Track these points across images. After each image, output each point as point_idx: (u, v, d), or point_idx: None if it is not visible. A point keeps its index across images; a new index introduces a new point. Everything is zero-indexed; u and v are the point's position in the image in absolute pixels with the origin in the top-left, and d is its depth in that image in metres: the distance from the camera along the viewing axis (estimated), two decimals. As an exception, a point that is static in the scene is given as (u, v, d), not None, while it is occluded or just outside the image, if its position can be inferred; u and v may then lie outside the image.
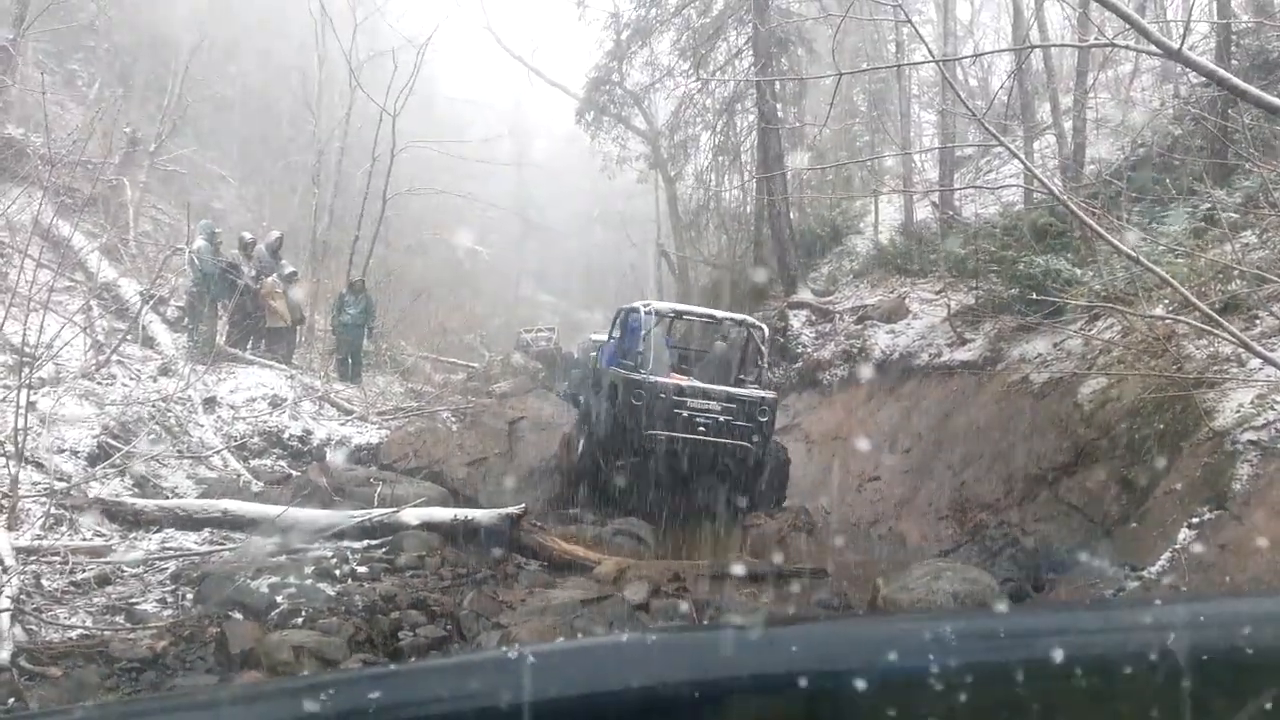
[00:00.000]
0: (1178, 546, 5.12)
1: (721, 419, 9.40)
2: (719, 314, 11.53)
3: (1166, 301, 8.00)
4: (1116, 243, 6.29)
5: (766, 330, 11.30)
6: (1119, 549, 5.74)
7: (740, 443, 9.39)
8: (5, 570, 5.74)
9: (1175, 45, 5.01)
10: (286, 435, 10.63)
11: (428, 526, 7.69)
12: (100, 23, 20.02)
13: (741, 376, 10.74)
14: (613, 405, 9.61)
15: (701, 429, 9.36)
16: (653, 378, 9.53)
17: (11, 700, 4.42)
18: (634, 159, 25.64)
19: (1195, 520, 5.31)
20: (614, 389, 9.72)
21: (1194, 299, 6.01)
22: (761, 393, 9.95)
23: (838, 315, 14.64)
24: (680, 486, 9.68)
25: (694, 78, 22.06)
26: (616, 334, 11.07)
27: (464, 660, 1.12)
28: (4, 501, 6.72)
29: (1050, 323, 9.26)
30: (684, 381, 9.83)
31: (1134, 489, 6.59)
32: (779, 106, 18.97)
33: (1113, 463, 7.01)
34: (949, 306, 12.09)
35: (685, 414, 9.34)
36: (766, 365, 10.67)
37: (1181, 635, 1.01)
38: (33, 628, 5.35)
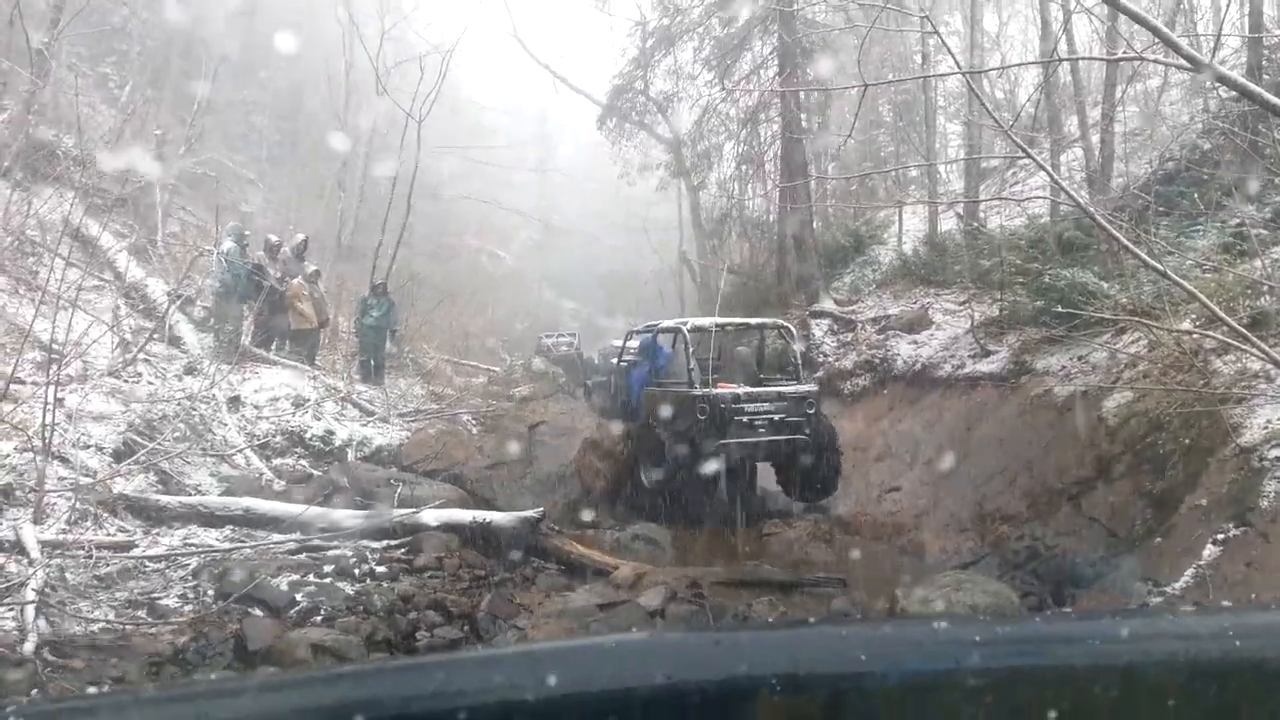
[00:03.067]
0: (1202, 563, 5.06)
1: (776, 417, 9.98)
2: (750, 321, 12.24)
3: (1194, 316, 7.91)
4: (1145, 256, 6.24)
5: (795, 330, 11.89)
6: (1143, 564, 5.68)
7: (796, 436, 10.03)
8: (31, 563, 5.81)
9: (1206, 59, 4.97)
10: (309, 435, 10.71)
11: (447, 528, 7.71)
12: (132, 26, 20.32)
13: (763, 376, 11.36)
14: (675, 422, 10.04)
15: (761, 429, 9.94)
16: (713, 391, 10.04)
17: (34, 691, 4.48)
18: (656, 167, 25.67)
19: (1221, 537, 5.24)
20: (673, 406, 10.16)
21: (1222, 314, 5.95)
22: (806, 387, 10.63)
23: (860, 325, 14.59)
24: (747, 485, 10.53)
25: (718, 86, 22.07)
26: (639, 351, 11.40)
27: (487, 655, 1.12)
28: (31, 496, 6.81)
29: (1075, 336, 9.18)
30: (738, 389, 10.34)
31: (1158, 504, 6.52)
32: (803, 116, 18.93)
33: (1137, 477, 6.93)
34: (973, 318, 12.01)
35: (745, 419, 9.91)
36: (800, 362, 11.18)
37: (1208, 645, 1.00)
38: (56, 620, 5.41)
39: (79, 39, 17.39)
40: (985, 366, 10.90)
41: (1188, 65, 5.32)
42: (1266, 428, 6.01)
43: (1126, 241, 6.39)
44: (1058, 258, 10.82)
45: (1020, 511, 8.04)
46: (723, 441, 9.71)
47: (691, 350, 10.54)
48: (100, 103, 18.50)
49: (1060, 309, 9.15)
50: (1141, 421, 7.38)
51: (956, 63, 8.09)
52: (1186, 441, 6.69)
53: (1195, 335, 7.20)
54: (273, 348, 13.18)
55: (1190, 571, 5.00)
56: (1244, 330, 5.88)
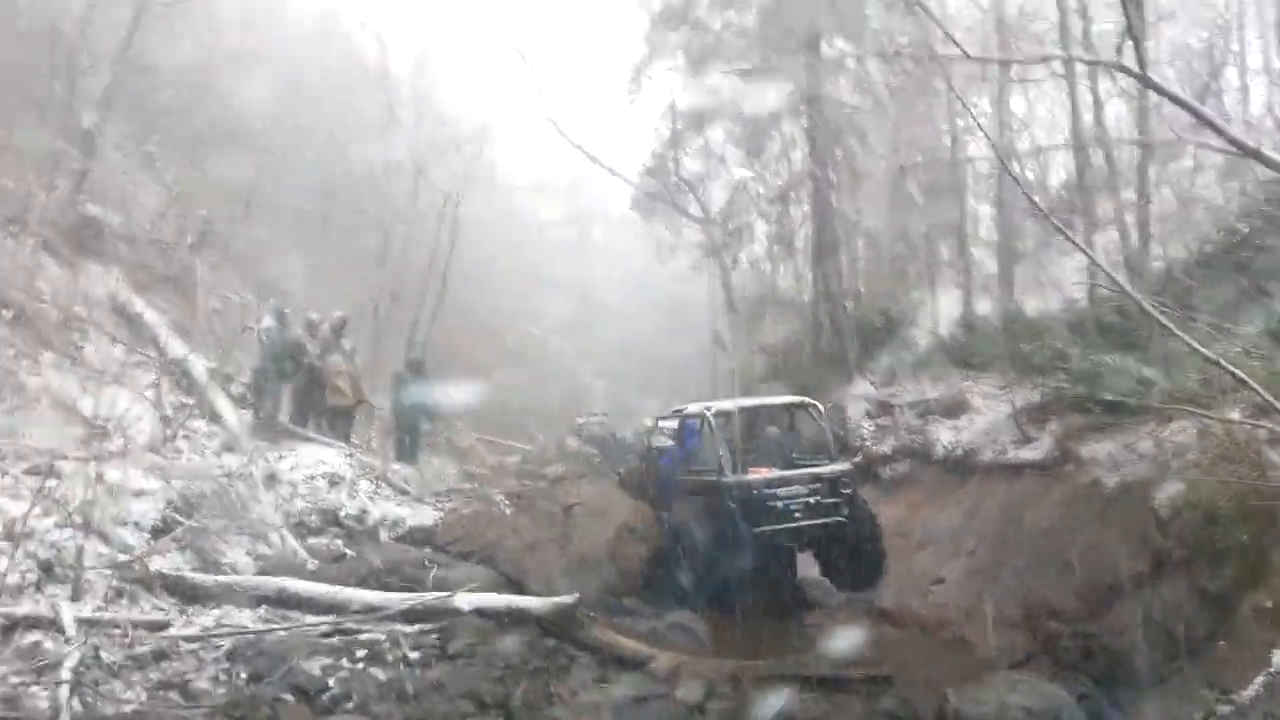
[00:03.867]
0: (1273, 670, 4.84)
1: (811, 500, 9.73)
2: (775, 400, 11.98)
3: (1243, 405, 7.74)
4: (1191, 341, 6.14)
5: (823, 407, 11.66)
6: (1206, 669, 5.44)
7: (832, 519, 9.75)
8: (67, 641, 5.78)
9: (1252, 144, 4.96)
10: (343, 514, 10.66)
11: (480, 613, 7.60)
12: (176, 106, 21.03)
13: (795, 456, 11.06)
14: (706, 511, 9.86)
15: (797, 514, 9.68)
16: (744, 477, 9.83)
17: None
18: (689, 246, 25.91)
19: (1290, 641, 5.03)
20: (704, 495, 10.01)
21: (1276, 402, 5.81)
22: (841, 466, 10.40)
23: (898, 409, 14.44)
24: (786, 574, 10.22)
25: (748, 166, 22.38)
26: (672, 438, 11.29)
27: None
28: (69, 572, 6.80)
29: (1121, 422, 9.01)
30: (769, 474, 10.10)
31: (1218, 603, 6.28)
32: (834, 196, 19.11)
33: (1193, 574, 6.70)
34: (1014, 403, 11.84)
35: (780, 504, 9.66)
36: (833, 440, 10.94)
37: None
38: (89, 701, 5.36)
39: (124, 119, 17.99)
40: (1028, 453, 10.69)
41: (1234, 150, 5.31)
42: (1330, 524, 5.81)
43: (1173, 326, 6.29)
44: (1098, 342, 10.70)
45: (1070, 607, 7.78)
46: (757, 530, 9.47)
47: (719, 435, 10.29)
48: (148, 180, 19.05)
49: (1104, 395, 9.00)
50: (1195, 514, 7.17)
51: (990, 143, 8.11)
52: (1244, 537, 6.48)
53: (1247, 425, 7.03)
54: (309, 425, 13.24)
55: (1260, 679, 4.78)
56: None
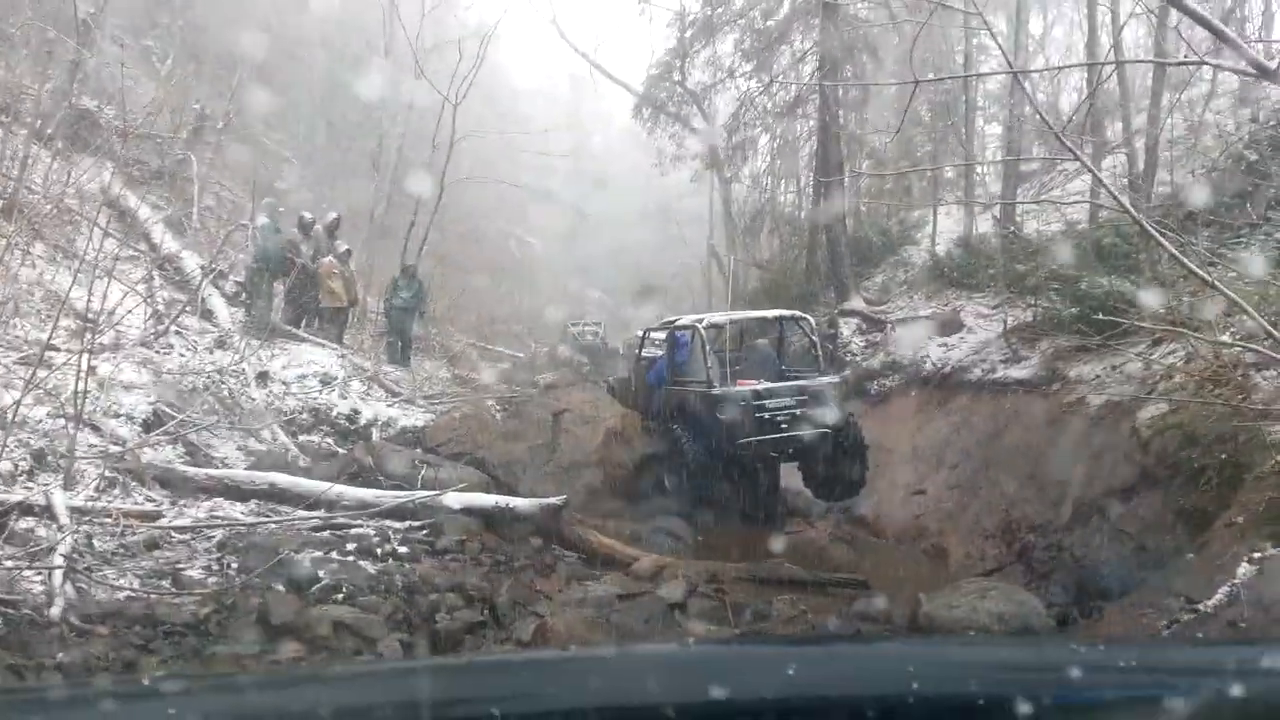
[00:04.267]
0: (1237, 581, 4.95)
1: (798, 412, 9.75)
2: (766, 313, 11.93)
3: (1234, 330, 7.75)
4: (1190, 264, 6.11)
5: (813, 320, 11.69)
6: (1174, 580, 5.57)
7: (819, 430, 9.76)
8: (60, 529, 5.88)
9: (1271, 65, 4.84)
10: (334, 413, 10.77)
11: (468, 512, 7.73)
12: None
13: (784, 368, 11.14)
14: (695, 422, 9.93)
15: (784, 425, 9.71)
16: (731, 389, 9.87)
17: (60, 655, 4.52)
18: (690, 158, 25.57)
19: (1256, 555, 5.12)
20: (692, 406, 10.04)
21: (1268, 326, 5.81)
22: (828, 379, 10.41)
23: (889, 325, 14.46)
24: (769, 484, 10.27)
25: (756, 79, 21.91)
26: (661, 349, 11.29)
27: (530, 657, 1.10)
28: (61, 462, 6.89)
29: (1111, 344, 9.03)
30: (757, 385, 10.13)
31: (1191, 520, 6.39)
32: (841, 113, 18.77)
33: (1169, 492, 6.80)
34: (1005, 322, 11.86)
35: (767, 415, 9.69)
36: (821, 353, 10.97)
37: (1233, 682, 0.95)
38: (83, 586, 5.48)
39: (123, 11, 17.52)
40: (1017, 372, 10.75)
41: (1251, 72, 5.18)
42: (1307, 446, 5.87)
43: (1171, 248, 6.26)
44: (1095, 264, 10.64)
45: (1048, 520, 7.93)
46: (743, 440, 9.59)
47: (709, 347, 10.31)
48: (143, 75, 18.64)
49: (1097, 316, 8.98)
50: (1176, 435, 7.24)
51: (1008, 61, 7.90)
52: (1222, 457, 6.55)
53: (1236, 348, 7.05)
54: (302, 325, 13.26)
55: (1224, 590, 4.90)
56: (1288, 345, 5.73)
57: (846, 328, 14.88)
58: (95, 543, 6.14)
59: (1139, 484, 7.30)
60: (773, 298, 17.28)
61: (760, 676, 0.97)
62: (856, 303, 15.41)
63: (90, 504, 6.49)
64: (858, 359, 14.15)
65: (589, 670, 0.92)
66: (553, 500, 7.98)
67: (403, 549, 7.14)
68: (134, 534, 6.41)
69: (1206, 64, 6.87)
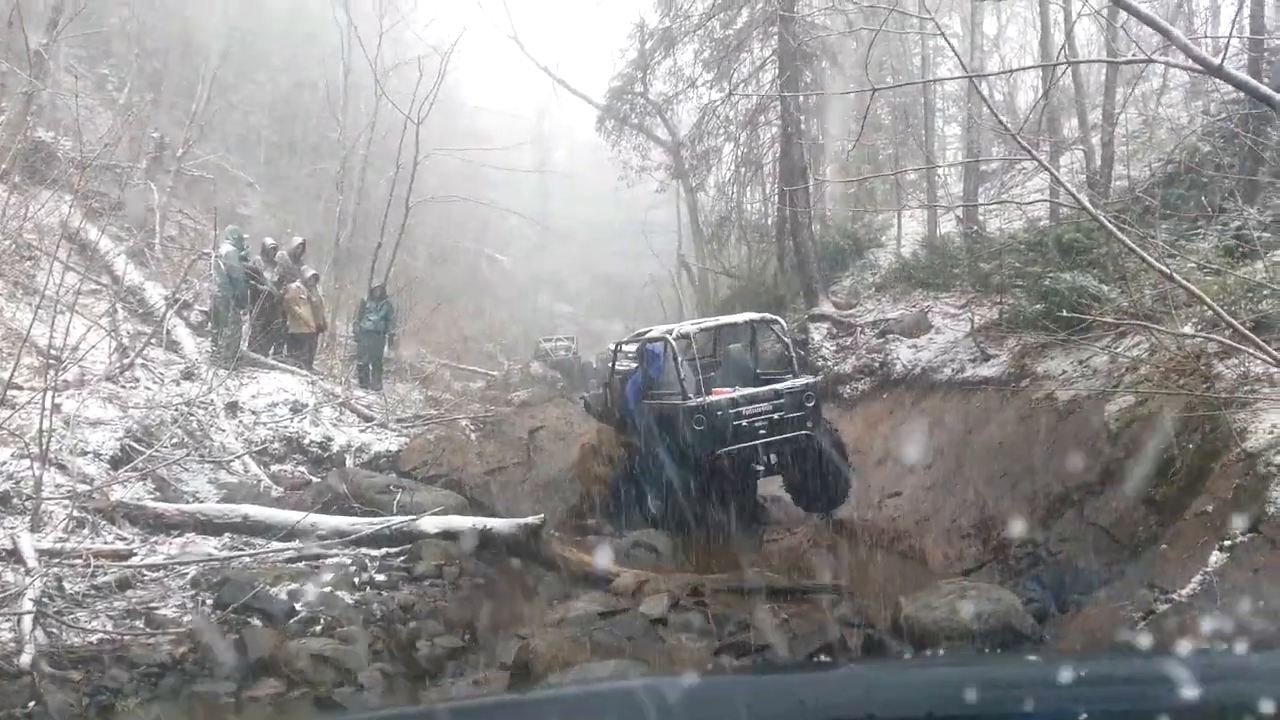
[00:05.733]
0: (1209, 570, 5.02)
1: (775, 416, 9.72)
2: (736, 318, 11.91)
3: (1196, 320, 7.88)
4: (1148, 257, 6.21)
5: (784, 322, 11.70)
6: (1147, 571, 5.64)
7: (798, 433, 9.72)
8: (28, 573, 5.76)
9: (1215, 61, 4.95)
10: (307, 441, 10.65)
11: (446, 535, 7.66)
12: (130, 28, 20.25)
13: (759, 372, 11.12)
14: (672, 435, 9.86)
15: (762, 431, 9.68)
16: (706, 399, 9.82)
17: (32, 704, 4.42)
18: (655, 169, 25.66)
19: (1227, 543, 5.20)
20: (668, 420, 9.99)
21: (1227, 316, 5.91)
22: (803, 380, 10.32)
23: (859, 329, 14.56)
24: (749, 493, 10.25)
25: (718, 88, 22.04)
26: (634, 362, 11.27)
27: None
28: (28, 504, 6.76)
29: (1076, 340, 9.15)
30: (733, 393, 10.07)
31: (1162, 510, 6.47)
32: (802, 119, 18.92)
33: (1140, 483, 6.89)
34: (973, 322, 11.98)
35: (744, 423, 9.66)
36: (795, 355, 10.94)
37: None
38: (54, 631, 5.36)
39: (77, 41, 17.33)
40: (985, 370, 10.86)
41: (1198, 68, 5.29)
42: (1273, 432, 5.96)
43: (1130, 243, 6.36)
44: (1058, 261, 10.79)
45: (1023, 517, 8.00)
46: (721, 450, 9.53)
47: (681, 358, 10.23)
48: (99, 105, 18.44)
49: (1061, 313, 9.10)
50: (1144, 426, 7.34)
51: (962, 65, 8.03)
52: (1190, 446, 6.65)
53: (1198, 338, 7.17)
54: (270, 352, 13.13)
55: (1197, 579, 4.96)
56: (1248, 333, 5.84)
57: (817, 333, 14.97)
58: (65, 585, 6.01)
59: (1109, 476, 7.38)
60: (743, 305, 17.37)
61: (714, 711, 0.97)
62: (826, 307, 15.51)
63: (59, 545, 6.37)
64: (829, 363, 14.23)
65: (547, 712, 0.93)
66: (530, 520, 7.93)
67: (380, 577, 7.06)
68: (105, 574, 6.30)
69: (1156, 62, 6.99)
